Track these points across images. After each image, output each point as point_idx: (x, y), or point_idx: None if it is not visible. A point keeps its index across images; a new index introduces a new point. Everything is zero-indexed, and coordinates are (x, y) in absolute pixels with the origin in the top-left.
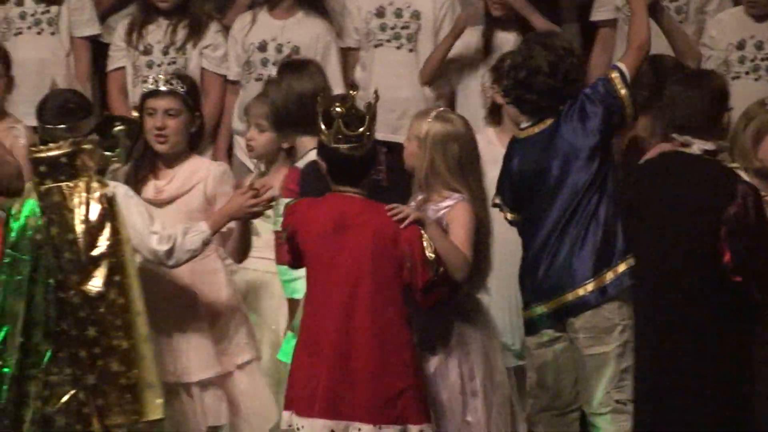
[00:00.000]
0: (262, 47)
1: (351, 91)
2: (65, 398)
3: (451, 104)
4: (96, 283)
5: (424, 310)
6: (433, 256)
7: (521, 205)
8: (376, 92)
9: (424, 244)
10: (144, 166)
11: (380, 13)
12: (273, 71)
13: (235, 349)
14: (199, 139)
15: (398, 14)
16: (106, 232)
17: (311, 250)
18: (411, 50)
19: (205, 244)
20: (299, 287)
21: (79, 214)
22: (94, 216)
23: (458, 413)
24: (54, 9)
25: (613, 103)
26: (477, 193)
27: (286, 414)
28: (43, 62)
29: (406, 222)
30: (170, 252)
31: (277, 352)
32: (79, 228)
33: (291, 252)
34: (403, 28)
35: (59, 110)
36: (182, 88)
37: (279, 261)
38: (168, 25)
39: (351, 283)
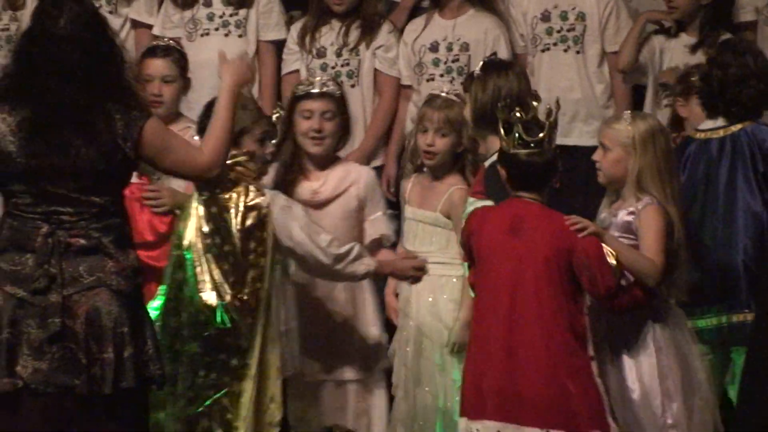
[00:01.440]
0: (434, 47)
1: (533, 101)
2: (209, 402)
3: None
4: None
5: (617, 314)
6: (614, 263)
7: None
8: (557, 100)
9: (604, 251)
10: (293, 168)
11: (545, 17)
12: (444, 71)
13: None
14: (344, 142)
15: (564, 17)
16: (256, 241)
17: (483, 252)
18: (578, 52)
19: (364, 278)
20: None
21: (235, 224)
22: (248, 224)
23: (657, 415)
24: (243, 12)
25: None
26: (671, 193)
27: (462, 421)
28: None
29: (584, 233)
30: (341, 257)
31: None
32: (236, 237)
33: (468, 255)
34: (569, 30)
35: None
36: (337, 91)
37: (464, 258)
38: (341, 27)
39: (520, 286)
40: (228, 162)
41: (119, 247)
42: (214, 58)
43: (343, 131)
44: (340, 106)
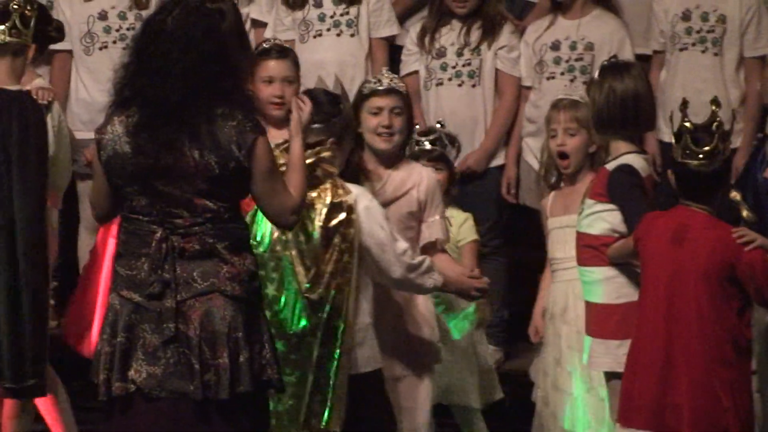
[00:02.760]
0: (555, 46)
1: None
2: (291, 400)
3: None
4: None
5: None
6: None
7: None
8: (733, 112)
9: None
10: (354, 167)
11: (686, 16)
12: (565, 69)
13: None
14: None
15: (704, 18)
16: (342, 238)
17: (646, 259)
18: (716, 54)
19: (429, 291)
20: (597, 291)
21: (318, 221)
22: (333, 222)
23: None
24: (353, 10)
25: None
26: None
27: (617, 427)
28: (342, 64)
29: (752, 246)
30: (413, 267)
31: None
32: (318, 234)
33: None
34: (708, 32)
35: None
36: (404, 88)
37: (580, 262)
38: (462, 27)
39: (679, 295)
40: (312, 159)
41: (234, 251)
42: (328, 59)
43: (409, 129)
44: (406, 102)
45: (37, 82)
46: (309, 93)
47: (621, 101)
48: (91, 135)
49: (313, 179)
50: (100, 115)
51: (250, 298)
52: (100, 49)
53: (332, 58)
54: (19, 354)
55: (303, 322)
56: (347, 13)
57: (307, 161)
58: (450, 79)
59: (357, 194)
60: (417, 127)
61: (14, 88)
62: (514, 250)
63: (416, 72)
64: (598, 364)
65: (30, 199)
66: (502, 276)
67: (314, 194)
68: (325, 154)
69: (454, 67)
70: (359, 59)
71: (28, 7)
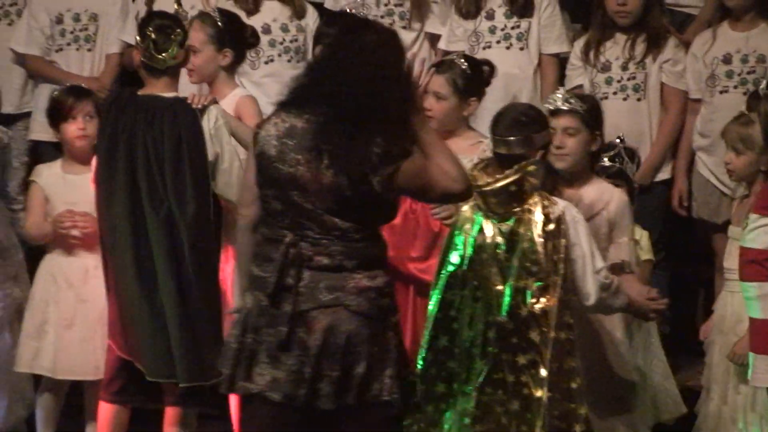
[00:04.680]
0: (727, 60)
1: None
2: (492, 420)
3: None
4: (542, 302)
5: None
6: None
7: None
8: None
9: None
10: (546, 183)
11: None
12: (738, 83)
13: None
14: (596, 159)
15: None
16: (553, 251)
17: None
18: None
19: (615, 312)
20: (757, 306)
21: (537, 234)
22: (546, 237)
23: None
24: (524, 24)
25: None
26: None
27: None
28: (510, 77)
29: None
30: (605, 287)
31: None
32: (538, 245)
33: None
34: None
35: (513, 122)
36: (581, 107)
37: (742, 278)
38: (626, 41)
39: None
40: (518, 174)
41: (364, 269)
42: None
43: (586, 148)
44: (585, 121)
45: (236, 91)
46: (512, 107)
47: None
48: None
49: (520, 193)
50: None
51: (377, 315)
52: (266, 63)
53: (500, 71)
54: (192, 351)
55: (503, 342)
56: (518, 26)
57: (514, 177)
58: (615, 93)
59: (564, 205)
60: None
61: (170, 95)
62: (674, 264)
63: (581, 86)
64: (760, 381)
65: (185, 200)
66: (664, 290)
67: (523, 208)
68: (530, 168)
69: (619, 81)
70: (527, 73)
71: (181, 32)
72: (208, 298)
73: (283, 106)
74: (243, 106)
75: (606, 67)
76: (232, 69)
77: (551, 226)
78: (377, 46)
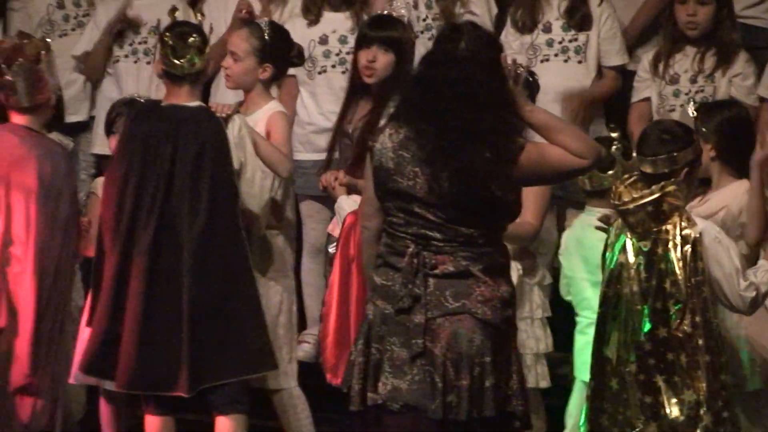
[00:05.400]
0: None
1: None
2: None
3: None
4: (685, 325)
5: None
6: None
7: None
8: None
9: None
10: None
11: None
12: None
13: None
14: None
15: None
16: (692, 272)
17: None
18: None
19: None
20: None
21: (675, 255)
22: (683, 259)
23: None
24: (582, 37)
25: None
26: None
27: None
28: (568, 90)
29: None
30: (754, 301)
31: None
32: (677, 267)
33: None
34: None
35: (657, 141)
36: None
37: None
38: (696, 54)
39: None
40: (656, 195)
41: (489, 275)
42: (553, 84)
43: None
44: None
45: (270, 105)
46: (656, 124)
47: None
48: (310, 156)
49: (658, 214)
50: (318, 138)
51: (501, 325)
52: (319, 73)
53: (557, 84)
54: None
55: (640, 362)
56: (576, 39)
57: (651, 197)
58: (682, 106)
59: (703, 227)
60: None
61: (193, 104)
62: None
63: (648, 99)
64: None
65: (208, 207)
66: None
67: (663, 228)
68: (670, 188)
69: (686, 94)
70: (585, 86)
71: (202, 39)
72: (240, 297)
73: (394, 118)
74: (274, 121)
75: (674, 80)
76: (269, 83)
77: (688, 248)
78: (474, 51)
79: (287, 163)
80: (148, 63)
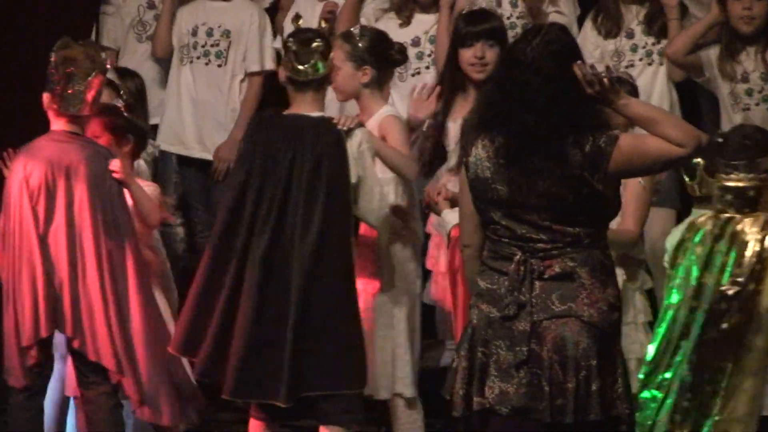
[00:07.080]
0: None
1: None
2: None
3: None
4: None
5: None
6: None
7: None
8: None
9: None
10: None
11: None
12: None
13: None
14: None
15: None
16: (756, 263)
17: None
18: None
19: None
20: None
21: (751, 249)
22: (761, 253)
23: None
24: (664, 42)
25: None
26: None
27: None
28: (651, 94)
29: None
30: None
31: None
32: (749, 263)
33: None
34: None
35: (738, 147)
36: None
37: None
38: (756, 52)
39: None
40: (758, 183)
41: (596, 278)
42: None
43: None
44: None
45: (383, 110)
46: (738, 129)
47: None
48: None
49: (753, 203)
50: None
51: (607, 328)
52: (413, 75)
53: (641, 88)
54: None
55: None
56: (658, 43)
57: (754, 183)
58: (757, 104)
59: None
60: None
61: (315, 114)
62: None
63: None
64: None
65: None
66: None
67: (746, 219)
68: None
69: (760, 92)
70: (667, 88)
71: (326, 44)
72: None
73: (483, 126)
74: (387, 125)
75: (745, 78)
76: (377, 86)
77: (759, 247)
78: (550, 53)
79: (414, 165)
80: (219, 66)
